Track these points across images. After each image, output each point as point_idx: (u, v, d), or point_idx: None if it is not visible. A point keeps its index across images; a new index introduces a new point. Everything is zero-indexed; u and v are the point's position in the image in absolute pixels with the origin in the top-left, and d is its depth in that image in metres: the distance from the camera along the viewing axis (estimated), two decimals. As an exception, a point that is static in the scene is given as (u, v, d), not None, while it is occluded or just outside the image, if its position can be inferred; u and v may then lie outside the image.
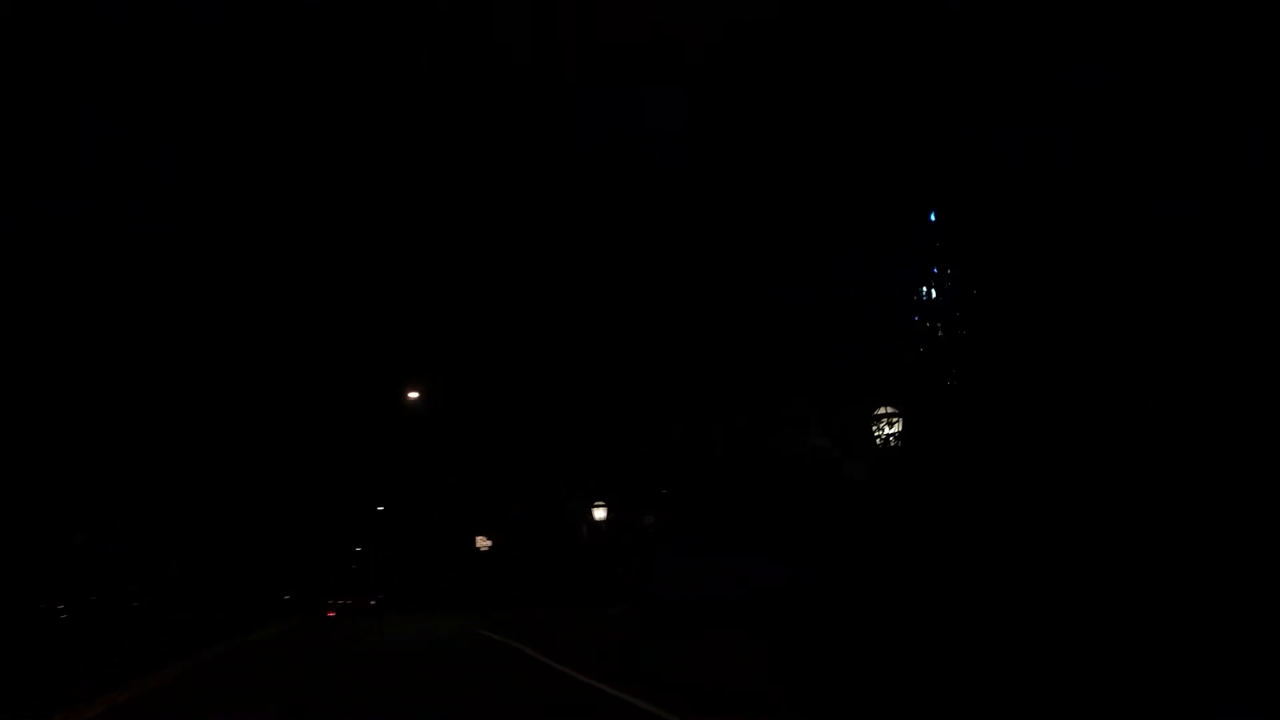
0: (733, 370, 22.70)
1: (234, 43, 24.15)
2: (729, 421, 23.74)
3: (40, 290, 23.77)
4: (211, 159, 26.21)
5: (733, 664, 12.57)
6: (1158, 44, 12.67)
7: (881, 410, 19.16)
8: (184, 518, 29.58)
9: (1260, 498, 11.23)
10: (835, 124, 18.20)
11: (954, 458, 16.91)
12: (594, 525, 31.67)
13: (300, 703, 10.79)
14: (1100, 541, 12.88)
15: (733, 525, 23.78)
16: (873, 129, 17.70)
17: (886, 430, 18.99)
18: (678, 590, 24.62)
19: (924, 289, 18.55)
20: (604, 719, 9.18)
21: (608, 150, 23.60)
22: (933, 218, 18.80)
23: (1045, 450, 14.20)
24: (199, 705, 11.04)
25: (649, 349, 24.74)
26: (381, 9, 23.52)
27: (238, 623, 26.70)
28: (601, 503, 30.48)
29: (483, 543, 41.45)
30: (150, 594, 24.48)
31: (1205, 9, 12.34)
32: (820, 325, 20.72)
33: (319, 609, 50.57)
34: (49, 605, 22.02)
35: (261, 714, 10.11)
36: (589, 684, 11.25)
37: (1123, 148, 13.08)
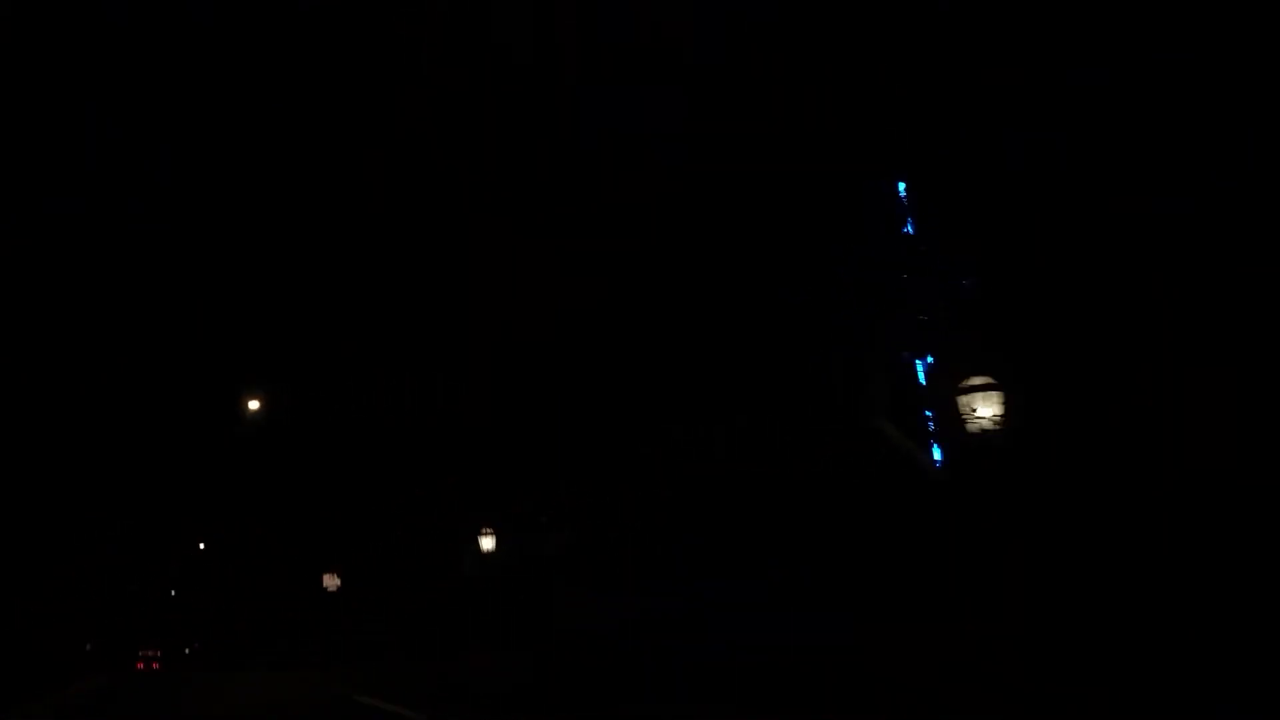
0: (733, 370, 22.67)
1: (234, 43, 24.15)
2: (729, 421, 23.69)
3: (40, 290, 23.79)
4: (211, 159, 26.22)
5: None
6: (1158, 44, 12.67)
7: (975, 381, 13.94)
8: None
9: (1260, 498, 11.23)
10: (835, 124, 18.19)
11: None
12: (481, 557, 26.86)
13: None
14: (1100, 541, 12.88)
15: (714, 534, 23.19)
16: (873, 129, 17.70)
17: (982, 410, 13.85)
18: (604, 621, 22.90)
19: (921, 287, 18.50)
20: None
21: (608, 150, 23.58)
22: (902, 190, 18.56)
23: (1045, 449, 14.20)
24: None
25: (649, 349, 24.70)
26: (381, 9, 23.53)
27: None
28: (490, 530, 26.41)
29: (330, 582, 34.67)
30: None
31: (1205, 9, 12.34)
32: (820, 325, 20.70)
33: (129, 661, 42.11)
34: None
35: None
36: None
37: (1123, 148, 13.09)
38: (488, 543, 25.98)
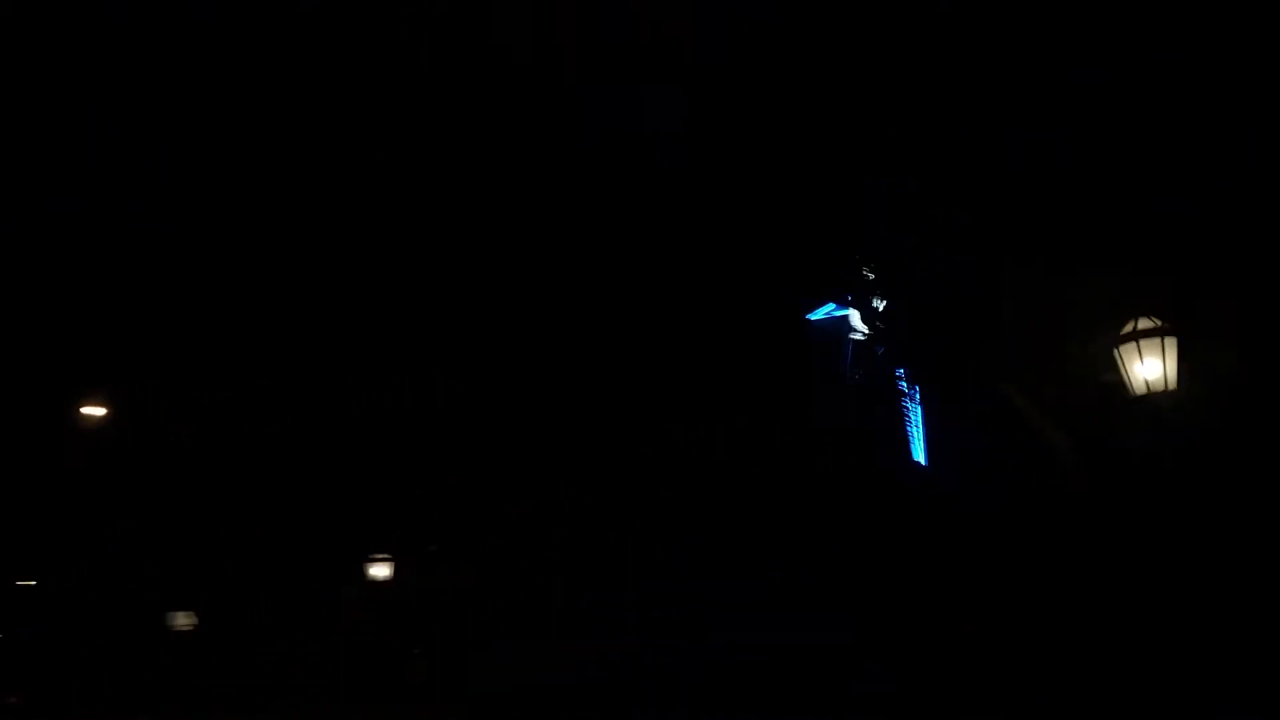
0: (733, 370, 22.68)
1: (234, 43, 24.15)
2: (729, 421, 23.71)
3: (40, 290, 23.81)
4: (211, 159, 26.21)
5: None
6: (1158, 44, 12.69)
7: (1143, 324, 9.95)
8: None
9: (1260, 498, 11.23)
10: (835, 124, 18.20)
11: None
12: (370, 589, 22.73)
13: None
14: (1099, 541, 12.88)
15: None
16: (873, 129, 17.71)
17: (1150, 369, 9.70)
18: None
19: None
20: None
21: (608, 150, 23.58)
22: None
23: (1043, 447, 14.21)
24: None
25: (649, 349, 24.71)
26: (381, 9, 23.52)
27: None
28: (385, 555, 22.86)
29: (183, 620, 28.82)
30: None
31: (1205, 9, 12.35)
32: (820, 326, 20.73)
33: None
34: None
35: None
36: None
37: (1123, 148, 13.10)
38: (381, 570, 22.10)
